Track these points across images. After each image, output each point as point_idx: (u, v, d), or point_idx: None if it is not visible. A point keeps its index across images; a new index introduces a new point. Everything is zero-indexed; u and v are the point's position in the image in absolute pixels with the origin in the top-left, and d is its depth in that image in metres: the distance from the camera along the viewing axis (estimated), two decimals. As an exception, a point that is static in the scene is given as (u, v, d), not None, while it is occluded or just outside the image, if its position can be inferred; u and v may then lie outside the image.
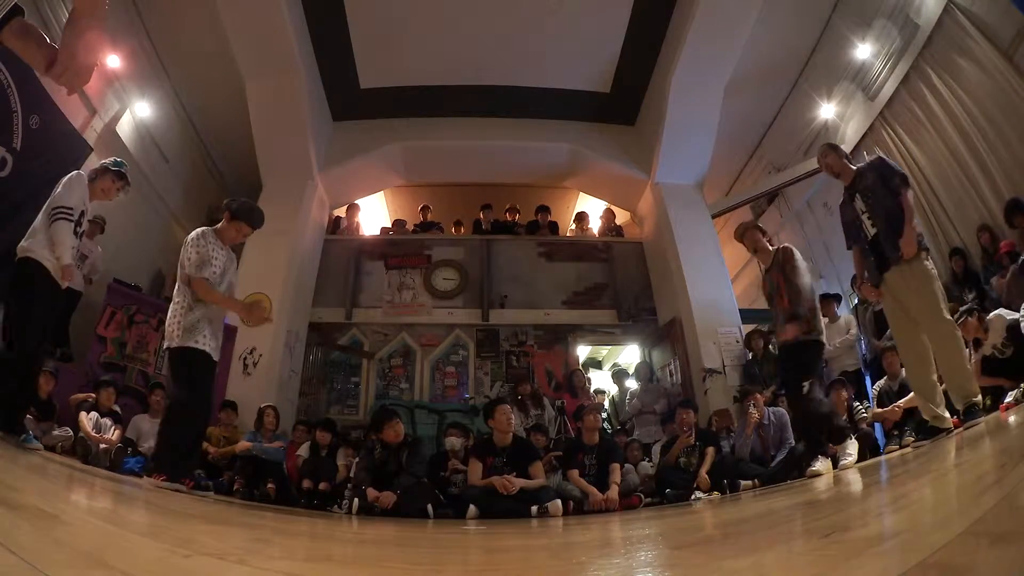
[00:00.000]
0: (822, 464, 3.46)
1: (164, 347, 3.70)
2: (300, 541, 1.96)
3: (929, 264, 3.18)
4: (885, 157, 3.65)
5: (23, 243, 3.21)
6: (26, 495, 1.53)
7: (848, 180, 3.54)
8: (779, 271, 3.73)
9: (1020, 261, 4.41)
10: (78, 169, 3.68)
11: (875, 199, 3.35)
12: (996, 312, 3.92)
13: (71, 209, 3.27)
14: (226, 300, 3.48)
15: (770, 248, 3.89)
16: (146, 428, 4.65)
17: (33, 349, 3.16)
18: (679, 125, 6.89)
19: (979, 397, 3.07)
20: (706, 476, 4.27)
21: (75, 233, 3.35)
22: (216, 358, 3.42)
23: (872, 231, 3.36)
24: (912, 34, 5.64)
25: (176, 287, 3.43)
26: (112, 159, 3.72)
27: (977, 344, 3.83)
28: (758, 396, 4.70)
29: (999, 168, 4.96)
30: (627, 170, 7.65)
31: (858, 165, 3.59)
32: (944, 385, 3.38)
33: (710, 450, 4.45)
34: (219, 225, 3.56)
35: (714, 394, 5.97)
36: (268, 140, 6.79)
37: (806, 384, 3.54)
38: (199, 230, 3.50)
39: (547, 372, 7.07)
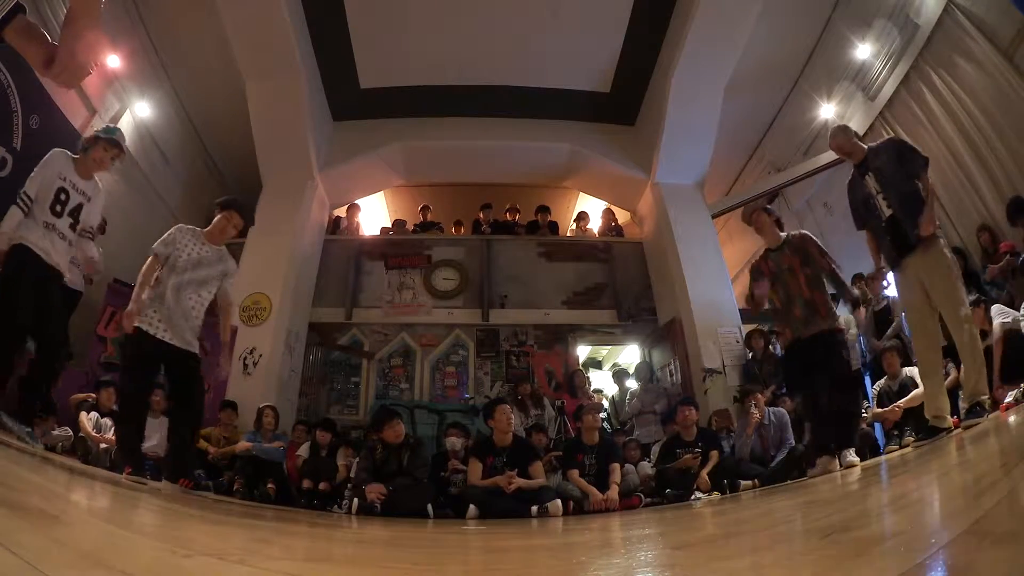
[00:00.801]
0: (852, 457, 3.38)
1: None
2: (300, 541, 1.96)
3: (947, 252, 3.15)
4: (905, 138, 3.54)
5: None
6: (27, 495, 1.53)
7: (858, 159, 3.47)
8: (797, 256, 3.61)
9: (1021, 259, 4.42)
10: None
11: (889, 180, 3.29)
12: (995, 307, 3.95)
13: (23, 194, 3.12)
14: (139, 285, 3.28)
15: (778, 232, 3.79)
16: (146, 428, 4.65)
17: (17, 333, 3.03)
18: (679, 125, 6.88)
19: (986, 396, 3.04)
20: (706, 477, 4.27)
21: (55, 212, 3.17)
22: (175, 342, 3.23)
23: (887, 211, 3.29)
24: (912, 34, 5.64)
25: None
26: (105, 126, 3.59)
27: (983, 336, 3.83)
28: (759, 396, 4.68)
29: (999, 168, 4.96)
30: (627, 170, 7.64)
31: (871, 144, 3.52)
32: (952, 376, 3.37)
33: (714, 454, 4.44)
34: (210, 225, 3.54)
35: (714, 394, 5.97)
36: (268, 140, 6.79)
37: (849, 366, 3.50)
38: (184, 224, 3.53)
39: (547, 372, 7.07)
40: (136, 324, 3.18)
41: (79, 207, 3.30)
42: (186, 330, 3.31)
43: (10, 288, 3.00)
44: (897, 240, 3.27)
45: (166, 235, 3.42)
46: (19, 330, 3.05)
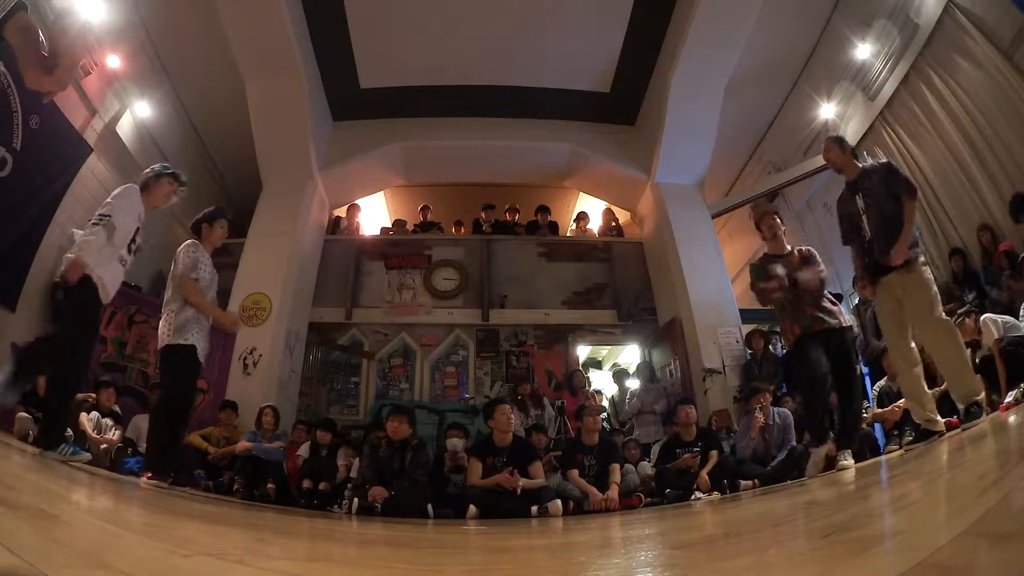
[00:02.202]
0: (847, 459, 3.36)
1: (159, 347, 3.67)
2: (300, 541, 1.96)
3: (926, 271, 3.16)
4: (896, 165, 3.53)
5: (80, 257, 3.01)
6: (26, 495, 1.53)
7: (851, 176, 3.48)
8: (804, 263, 3.64)
9: (1021, 258, 4.40)
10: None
11: (875, 201, 3.30)
12: (985, 316, 3.93)
13: (110, 222, 3.13)
14: (206, 304, 3.57)
15: (784, 240, 3.80)
16: (146, 428, 4.64)
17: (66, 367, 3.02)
18: (679, 125, 6.88)
19: (982, 396, 3.02)
20: (706, 477, 4.26)
21: (130, 249, 3.29)
22: (201, 358, 3.55)
23: (869, 234, 3.32)
24: (912, 34, 5.64)
25: (168, 292, 3.56)
26: (160, 164, 3.65)
27: (976, 347, 3.82)
28: (765, 398, 4.62)
29: (999, 168, 4.95)
30: (627, 170, 7.65)
31: (865, 164, 3.54)
32: (941, 387, 3.36)
33: (713, 454, 4.43)
34: (202, 240, 3.73)
35: (714, 394, 5.97)
36: (268, 140, 6.79)
37: (859, 366, 3.50)
38: (190, 240, 3.68)
39: (547, 372, 7.07)
40: (190, 343, 3.42)
41: (138, 246, 3.45)
42: None
43: (83, 321, 3.03)
44: (872, 263, 3.31)
45: (190, 260, 3.56)
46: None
